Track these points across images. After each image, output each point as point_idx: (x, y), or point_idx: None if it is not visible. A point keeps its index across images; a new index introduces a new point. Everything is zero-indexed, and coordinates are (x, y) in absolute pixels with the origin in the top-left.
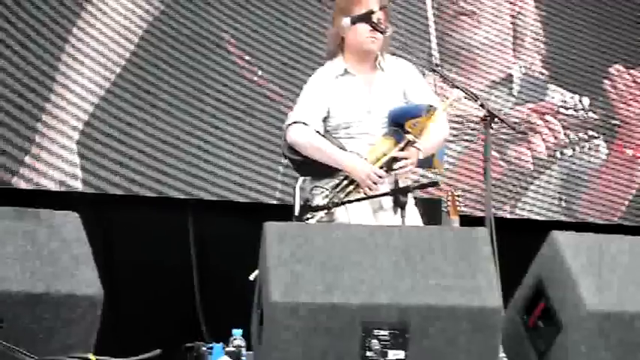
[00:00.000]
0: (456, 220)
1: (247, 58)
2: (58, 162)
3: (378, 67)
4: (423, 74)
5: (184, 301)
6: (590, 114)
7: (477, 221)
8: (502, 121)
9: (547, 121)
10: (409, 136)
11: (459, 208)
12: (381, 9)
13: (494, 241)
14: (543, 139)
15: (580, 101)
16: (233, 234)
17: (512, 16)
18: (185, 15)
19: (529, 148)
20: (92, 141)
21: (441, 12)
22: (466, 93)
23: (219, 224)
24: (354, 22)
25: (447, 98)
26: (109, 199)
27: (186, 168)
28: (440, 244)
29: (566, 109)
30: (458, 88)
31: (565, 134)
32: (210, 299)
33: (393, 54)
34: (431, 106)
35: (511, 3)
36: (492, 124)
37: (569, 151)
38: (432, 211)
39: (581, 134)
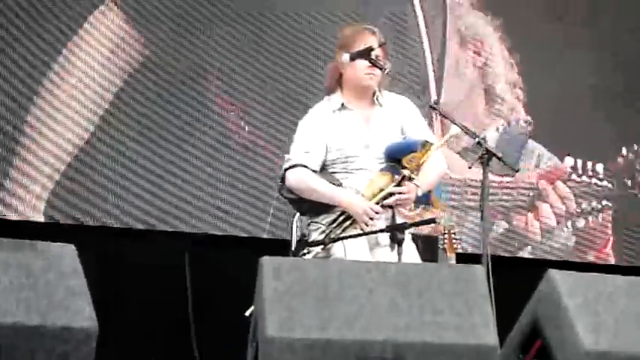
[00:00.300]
0: (452, 258)
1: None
2: (45, 194)
3: (376, 103)
4: (425, 116)
5: (180, 336)
6: (605, 182)
7: (474, 259)
8: (500, 159)
9: (557, 188)
10: (405, 172)
11: (455, 245)
12: (380, 46)
13: (491, 279)
14: (552, 209)
15: (594, 168)
16: (229, 268)
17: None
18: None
19: (537, 219)
20: (88, 172)
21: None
22: (464, 130)
23: (215, 258)
24: (353, 58)
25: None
26: (106, 232)
27: (183, 201)
28: (436, 281)
29: (579, 175)
30: (456, 124)
31: (577, 202)
32: (206, 334)
33: (392, 91)
34: (427, 141)
35: (475, 52)
36: (490, 162)
37: (580, 222)
38: (428, 248)
39: (594, 203)
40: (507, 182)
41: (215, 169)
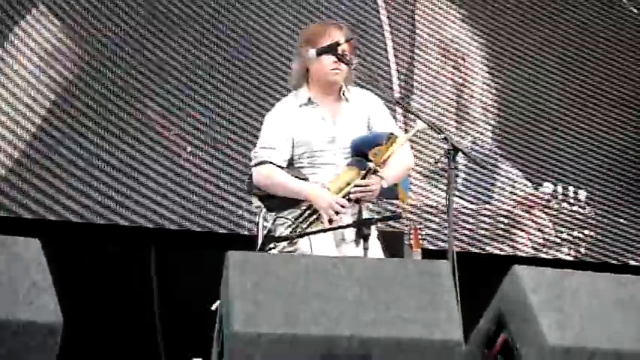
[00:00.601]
0: (418, 253)
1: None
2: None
3: (343, 98)
4: (390, 108)
5: (145, 330)
6: (588, 209)
7: (439, 254)
8: (465, 154)
9: (534, 215)
10: (371, 165)
11: (421, 241)
12: (346, 41)
13: (456, 274)
14: (529, 237)
15: (575, 194)
16: (195, 263)
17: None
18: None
19: (512, 247)
20: (57, 168)
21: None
22: (430, 126)
23: (181, 253)
24: (319, 53)
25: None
26: (71, 227)
27: (150, 196)
28: (402, 277)
29: (559, 202)
30: (422, 120)
31: (556, 231)
32: (171, 328)
33: (358, 85)
34: (392, 134)
35: (454, 67)
36: (455, 158)
37: (562, 253)
38: (394, 244)
39: (575, 233)
40: (483, 209)
41: (179, 165)
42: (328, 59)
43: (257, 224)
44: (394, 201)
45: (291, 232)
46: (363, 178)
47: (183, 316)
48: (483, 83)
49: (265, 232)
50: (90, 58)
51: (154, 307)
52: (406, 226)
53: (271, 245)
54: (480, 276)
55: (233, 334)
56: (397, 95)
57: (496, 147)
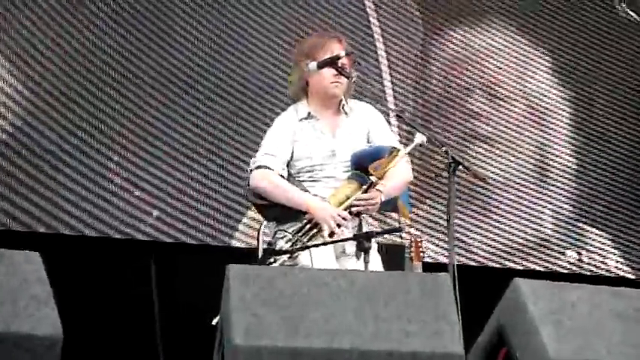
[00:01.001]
0: (418, 266)
1: None
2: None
3: (342, 111)
4: (389, 122)
5: (146, 343)
6: None
7: (440, 267)
8: (467, 168)
9: None
10: (372, 179)
11: (421, 254)
12: (346, 55)
13: (457, 287)
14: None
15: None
16: (196, 276)
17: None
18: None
19: (514, 261)
20: (55, 182)
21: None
22: (430, 139)
23: (181, 266)
24: (320, 66)
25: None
26: (71, 240)
27: (147, 210)
28: (403, 290)
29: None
30: (422, 133)
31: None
32: (172, 342)
33: (357, 98)
34: (393, 148)
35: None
36: (456, 171)
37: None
38: (395, 257)
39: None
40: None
41: (184, 175)
42: (328, 72)
43: (258, 238)
44: (394, 214)
45: (291, 246)
46: (365, 192)
47: (184, 329)
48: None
49: (266, 245)
50: (85, 66)
51: (154, 319)
52: (407, 239)
53: (271, 259)
54: (481, 289)
55: (234, 347)
56: (394, 108)
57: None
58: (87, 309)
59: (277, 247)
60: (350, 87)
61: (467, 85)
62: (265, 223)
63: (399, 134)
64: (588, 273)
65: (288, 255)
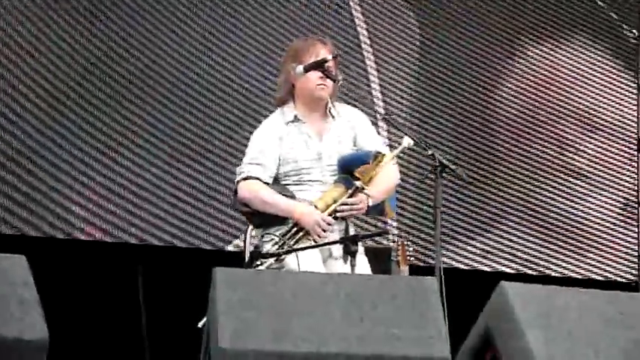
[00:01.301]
0: (405, 270)
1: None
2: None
3: (329, 115)
4: (375, 125)
5: (132, 347)
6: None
7: (427, 270)
8: (452, 171)
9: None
10: (358, 183)
11: (408, 257)
12: (333, 58)
13: (444, 291)
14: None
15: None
16: (182, 280)
17: None
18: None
19: (500, 263)
20: (42, 184)
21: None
22: (417, 142)
23: (168, 270)
24: (307, 69)
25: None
26: (57, 243)
27: (137, 213)
28: (390, 293)
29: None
30: (409, 137)
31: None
32: (159, 346)
33: (344, 102)
34: (379, 152)
35: None
36: (442, 174)
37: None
38: (381, 260)
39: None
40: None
41: (173, 180)
42: (314, 75)
43: (244, 241)
44: (381, 217)
45: (277, 249)
46: (350, 196)
47: (171, 333)
48: None
49: (252, 248)
50: (74, 69)
51: (141, 323)
52: (393, 242)
53: (258, 262)
54: (468, 292)
55: (220, 350)
56: (381, 111)
57: None
58: (73, 313)
59: (264, 251)
60: (336, 90)
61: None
62: (252, 226)
63: (389, 138)
64: (579, 277)
65: (274, 258)
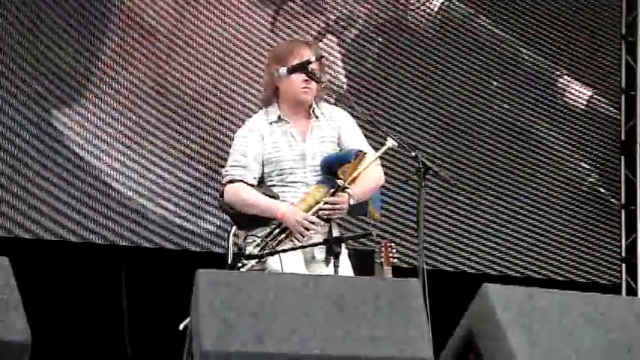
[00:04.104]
0: (388, 271)
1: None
2: None
3: (313, 116)
4: (361, 126)
5: (115, 349)
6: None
7: (410, 272)
8: (436, 173)
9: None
10: (339, 182)
11: (391, 258)
12: (317, 59)
13: (427, 292)
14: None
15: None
16: (165, 281)
17: None
18: None
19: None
20: (22, 184)
21: None
22: (400, 144)
23: (151, 271)
24: (290, 71)
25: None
26: (41, 245)
27: (120, 214)
28: (372, 295)
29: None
30: (392, 138)
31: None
32: (142, 347)
33: (328, 101)
34: (360, 151)
35: None
36: (426, 176)
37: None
38: (364, 262)
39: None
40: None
41: (154, 182)
42: (298, 78)
43: (227, 243)
44: (365, 218)
45: (260, 251)
46: (332, 195)
47: (153, 335)
48: None
49: (235, 250)
50: (65, 71)
51: (124, 325)
52: (377, 243)
53: (240, 264)
54: (451, 294)
55: (203, 352)
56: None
57: None
58: (57, 314)
59: (247, 252)
60: (321, 91)
61: None
62: (235, 227)
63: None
64: (561, 279)
65: (257, 260)
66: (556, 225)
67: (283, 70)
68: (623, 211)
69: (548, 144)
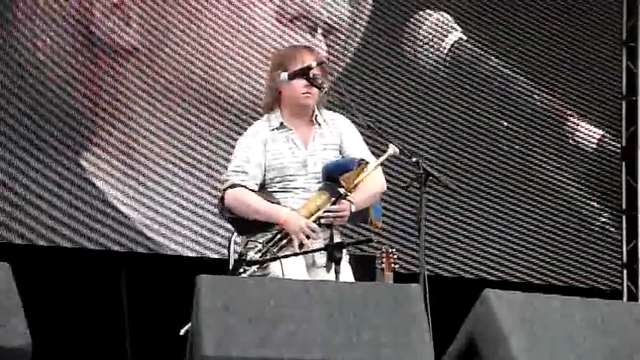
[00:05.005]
0: (390, 277)
1: None
2: None
3: (315, 122)
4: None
5: (115, 354)
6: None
7: (411, 278)
8: (437, 179)
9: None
10: (341, 190)
11: (392, 264)
12: (319, 64)
13: (428, 298)
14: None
15: None
16: (166, 287)
17: None
18: None
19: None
20: (22, 193)
21: None
22: (401, 150)
23: (152, 277)
24: (291, 77)
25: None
26: (41, 251)
27: (121, 220)
28: (374, 300)
29: None
30: (394, 144)
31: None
32: (142, 353)
33: (330, 109)
34: (362, 159)
35: None
36: (427, 182)
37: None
38: (365, 268)
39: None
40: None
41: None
42: (299, 83)
43: (228, 248)
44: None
45: (261, 256)
46: (334, 203)
47: (154, 341)
48: None
49: (236, 256)
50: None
51: (124, 331)
52: (378, 249)
53: (241, 269)
54: (452, 299)
55: (204, 357)
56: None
57: None
58: (58, 320)
59: (248, 258)
60: (323, 97)
61: None
62: (236, 233)
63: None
64: (562, 284)
65: (258, 265)
66: (556, 230)
67: (284, 75)
68: (624, 217)
69: (551, 180)
